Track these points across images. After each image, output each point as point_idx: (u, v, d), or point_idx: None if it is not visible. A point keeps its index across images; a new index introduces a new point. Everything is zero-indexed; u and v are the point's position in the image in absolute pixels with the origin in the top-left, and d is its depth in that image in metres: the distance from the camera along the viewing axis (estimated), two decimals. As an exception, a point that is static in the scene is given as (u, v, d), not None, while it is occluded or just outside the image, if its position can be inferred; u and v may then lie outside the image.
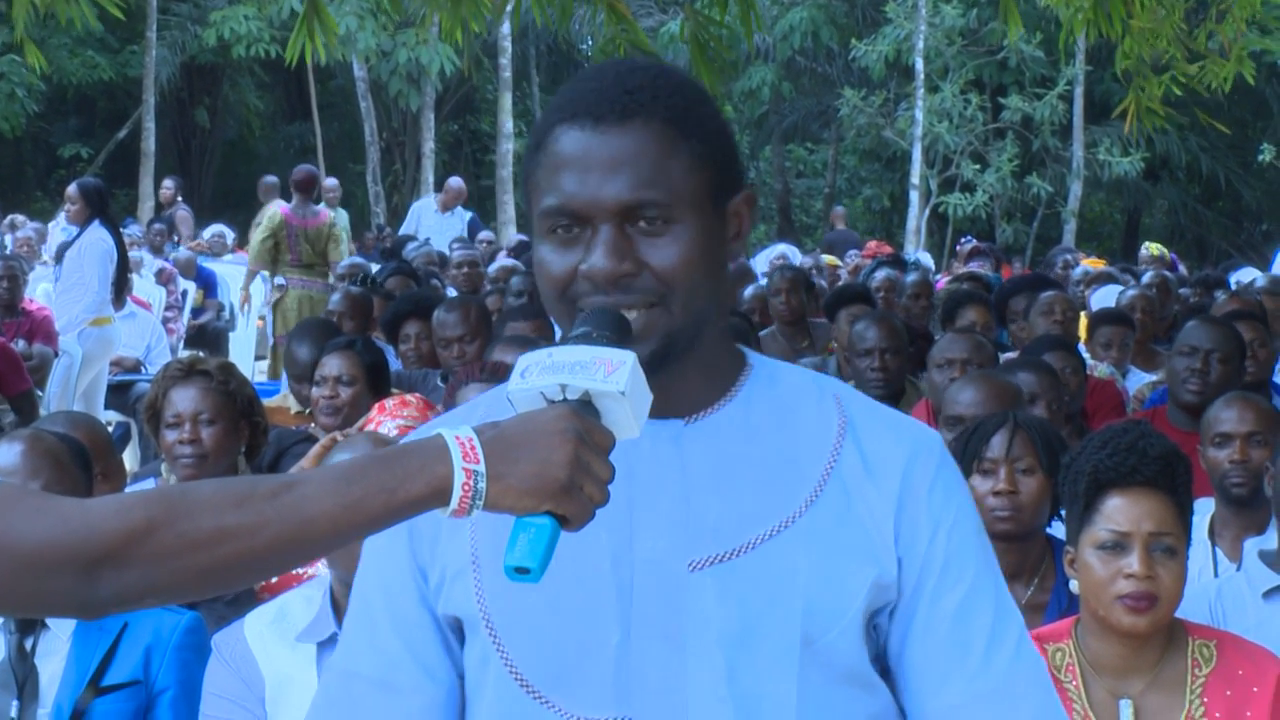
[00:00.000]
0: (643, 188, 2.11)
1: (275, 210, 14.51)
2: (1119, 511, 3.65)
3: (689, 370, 2.17)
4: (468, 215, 20.22)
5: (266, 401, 7.94)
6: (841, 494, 2.18)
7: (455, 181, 20.69)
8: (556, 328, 1.88)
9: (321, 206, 14.92)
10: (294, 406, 7.47)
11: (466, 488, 1.91)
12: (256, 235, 14.40)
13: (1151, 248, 19.24)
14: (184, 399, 5.14)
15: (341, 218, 17.83)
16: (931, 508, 2.21)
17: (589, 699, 2.13)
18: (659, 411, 2.08)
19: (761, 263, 19.49)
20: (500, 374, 5.09)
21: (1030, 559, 4.55)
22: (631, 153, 2.11)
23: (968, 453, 4.63)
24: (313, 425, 6.82)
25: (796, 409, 2.23)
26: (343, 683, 2.24)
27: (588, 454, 1.94)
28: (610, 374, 1.98)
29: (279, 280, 14.32)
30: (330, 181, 20.45)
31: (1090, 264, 18.54)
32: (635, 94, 2.14)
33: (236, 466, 5.23)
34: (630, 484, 2.10)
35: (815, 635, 2.14)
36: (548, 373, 2.00)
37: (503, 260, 13.17)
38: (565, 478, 1.92)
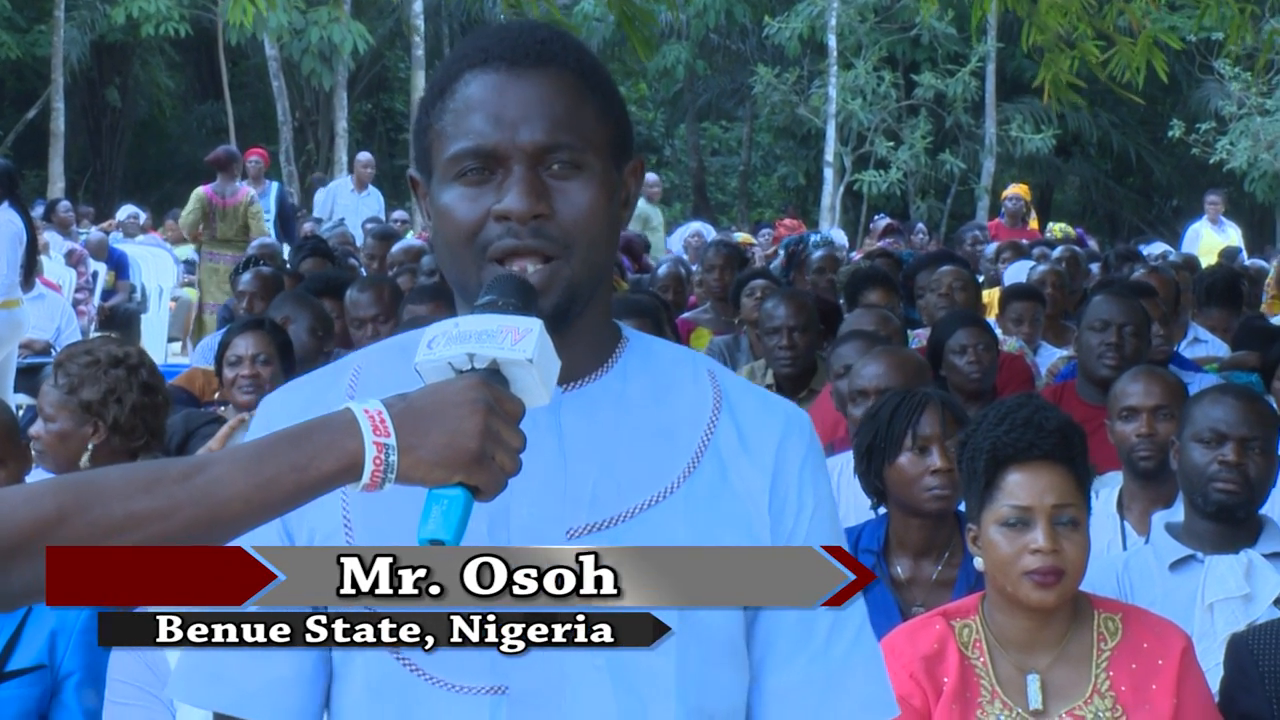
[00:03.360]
0: (557, 130, 2.12)
1: (200, 189, 15.26)
2: (1020, 487, 3.67)
3: (570, 339, 2.15)
4: (380, 195, 20.15)
5: (189, 370, 7.93)
6: (718, 466, 2.18)
7: (363, 156, 20.67)
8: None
9: (241, 185, 15.57)
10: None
11: (378, 462, 1.89)
12: (185, 213, 15.40)
13: (1055, 229, 19.39)
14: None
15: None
16: (801, 486, 2.21)
17: (464, 668, 2.10)
18: None
19: (676, 241, 19.53)
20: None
21: (940, 536, 4.56)
22: (547, 96, 2.13)
23: (892, 431, 4.60)
24: (223, 408, 6.77)
25: (673, 382, 2.24)
26: (207, 649, 2.15)
27: (498, 423, 1.92)
28: (517, 342, 1.97)
29: (191, 255, 15.32)
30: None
31: (1017, 189, 18.79)
32: (548, 43, 2.17)
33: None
34: None
35: (693, 608, 2.11)
36: (454, 343, 1.99)
37: (409, 240, 13.13)
38: (476, 448, 1.90)
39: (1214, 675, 3.93)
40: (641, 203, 21.38)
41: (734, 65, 33.36)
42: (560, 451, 2.15)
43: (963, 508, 4.27)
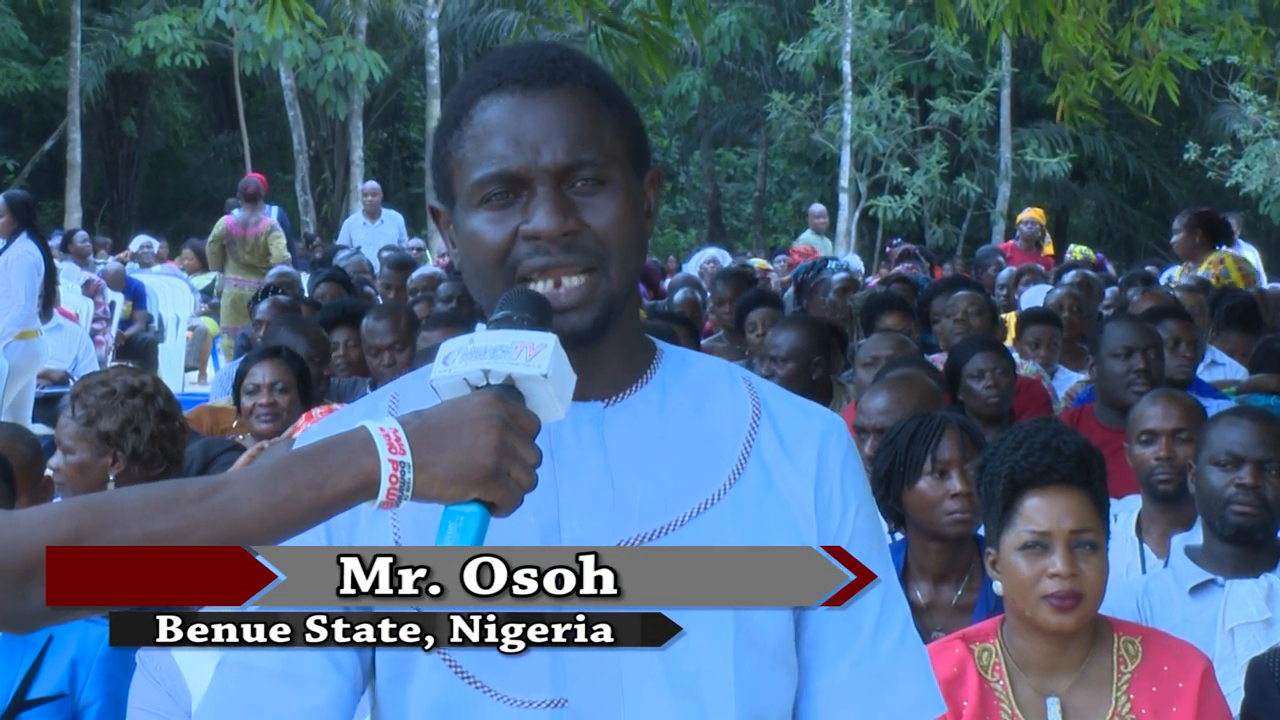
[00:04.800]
0: (578, 149, 2.13)
1: (221, 221, 16.41)
2: (1038, 511, 3.67)
3: (607, 353, 2.18)
4: (399, 217, 20.22)
5: (209, 403, 7.93)
6: (761, 472, 2.21)
7: (368, 185, 20.94)
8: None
9: (264, 215, 16.43)
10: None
11: (394, 479, 1.90)
12: (210, 245, 16.57)
13: (1075, 251, 19.36)
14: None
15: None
16: (844, 487, 2.24)
17: (524, 681, 2.11)
18: (579, 395, 2.08)
19: (693, 267, 19.52)
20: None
21: (959, 560, 4.55)
22: (564, 115, 2.14)
23: (911, 456, 4.59)
24: (241, 436, 6.78)
25: (711, 391, 2.26)
26: (241, 676, 2.18)
27: (513, 439, 1.93)
28: (532, 358, 1.98)
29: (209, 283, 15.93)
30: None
31: (1032, 214, 18.80)
32: (559, 62, 2.18)
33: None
34: (554, 466, 2.10)
35: (746, 612, 2.15)
36: (469, 359, 1.99)
37: (427, 268, 13.15)
38: (492, 464, 1.91)
39: (1235, 700, 3.92)
40: (809, 234, 21.13)
41: (749, 91, 33.40)
42: (606, 466, 2.16)
43: (981, 532, 4.27)
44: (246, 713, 2.18)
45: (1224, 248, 12.03)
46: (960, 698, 3.66)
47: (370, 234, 19.20)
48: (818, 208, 22.46)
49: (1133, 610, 4.39)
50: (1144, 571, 5.04)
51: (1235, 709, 3.88)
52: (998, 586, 3.75)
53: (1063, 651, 3.67)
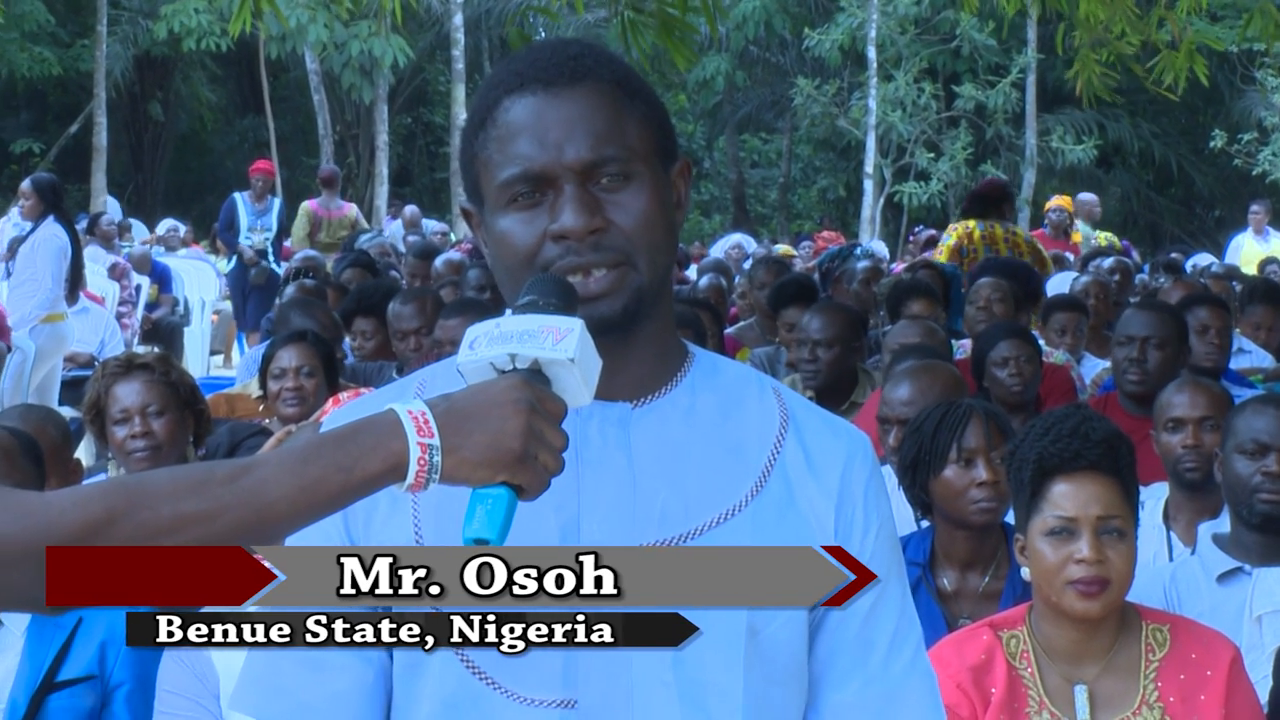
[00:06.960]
0: (602, 145, 2.13)
1: (305, 204, 17.61)
2: (1065, 497, 3.66)
3: (638, 352, 2.18)
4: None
5: (232, 389, 7.95)
6: (784, 485, 2.20)
7: (410, 210, 21.60)
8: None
9: (344, 202, 17.69)
10: (256, 392, 7.44)
11: (422, 462, 1.90)
12: (296, 228, 17.40)
13: (1100, 238, 19.27)
14: (129, 394, 5.12)
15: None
16: (866, 507, 2.24)
17: (535, 680, 2.12)
18: (606, 394, 2.09)
19: (717, 252, 19.53)
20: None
21: (986, 547, 4.55)
22: (587, 112, 2.14)
23: (936, 444, 4.58)
24: (268, 420, 6.79)
25: (740, 399, 2.25)
26: (267, 662, 2.20)
27: (540, 423, 1.93)
28: (559, 341, 1.98)
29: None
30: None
31: (1060, 201, 18.67)
32: (580, 59, 2.18)
33: (187, 456, 5.21)
34: (578, 466, 2.10)
35: (760, 626, 2.15)
36: (496, 343, 1.99)
37: (449, 254, 13.16)
38: (519, 447, 1.91)
39: (1263, 688, 3.92)
40: (1247, 233, 20.06)
41: (774, 77, 33.38)
42: (630, 468, 2.16)
43: (1009, 518, 4.26)
44: (274, 696, 2.20)
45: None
46: (988, 685, 3.66)
47: None
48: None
49: (1160, 598, 4.38)
50: (1171, 559, 5.03)
51: (1263, 697, 3.88)
52: (1026, 573, 3.75)
53: (1090, 639, 3.67)
